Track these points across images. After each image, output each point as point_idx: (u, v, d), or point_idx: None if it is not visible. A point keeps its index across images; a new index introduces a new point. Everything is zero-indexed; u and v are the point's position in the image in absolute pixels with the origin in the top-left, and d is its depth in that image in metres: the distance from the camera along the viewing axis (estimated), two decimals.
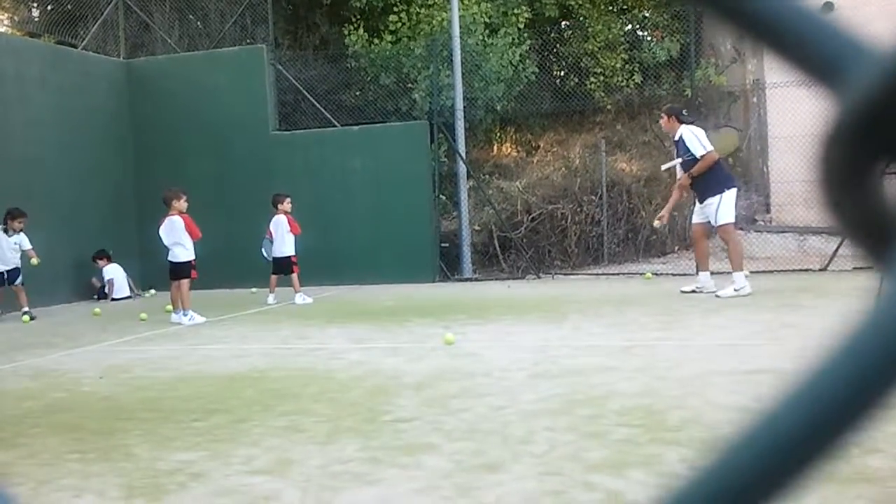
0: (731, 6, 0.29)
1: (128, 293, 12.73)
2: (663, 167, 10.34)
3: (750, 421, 0.27)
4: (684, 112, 9.51)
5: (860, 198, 0.27)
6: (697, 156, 8.99)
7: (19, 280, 10.66)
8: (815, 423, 0.25)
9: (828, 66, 0.28)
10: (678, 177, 9.46)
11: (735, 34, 0.31)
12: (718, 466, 0.27)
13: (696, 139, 9.03)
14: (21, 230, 10.66)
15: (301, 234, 10.96)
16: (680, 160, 9.29)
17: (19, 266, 10.67)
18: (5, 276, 10.59)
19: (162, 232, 9.41)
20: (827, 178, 0.27)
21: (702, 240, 9.39)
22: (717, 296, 8.88)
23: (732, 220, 9.08)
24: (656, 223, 9.89)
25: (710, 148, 9.00)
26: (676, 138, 9.27)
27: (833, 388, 0.25)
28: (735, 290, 8.83)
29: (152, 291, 13.01)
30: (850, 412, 0.25)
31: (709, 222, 9.16)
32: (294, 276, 10.78)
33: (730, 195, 9.03)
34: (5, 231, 10.61)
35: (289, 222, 10.82)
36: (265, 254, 10.93)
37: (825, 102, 0.28)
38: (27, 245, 10.63)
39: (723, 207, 8.96)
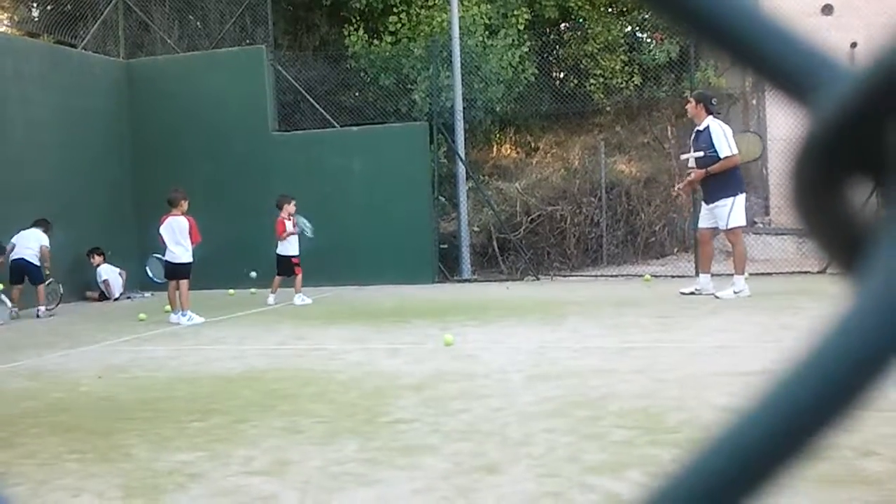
0: (705, 23, 0.30)
1: (122, 291, 12.75)
2: (683, 156, 9.92)
3: (727, 422, 0.28)
4: (714, 101, 9.18)
5: (831, 210, 0.28)
6: (721, 155, 8.75)
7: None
8: (789, 425, 0.26)
9: (801, 81, 0.29)
10: (690, 166, 9.19)
11: (711, 50, 0.32)
12: (697, 465, 0.27)
13: (724, 137, 8.78)
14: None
15: (285, 238, 10.86)
16: (701, 153, 8.97)
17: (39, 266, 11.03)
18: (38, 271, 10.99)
19: (164, 230, 9.39)
20: (799, 190, 0.28)
21: (708, 243, 9.30)
22: (716, 297, 8.86)
23: (743, 223, 8.99)
24: (677, 190, 10.02)
25: (735, 150, 8.78)
26: (701, 128, 8.99)
27: (808, 391, 0.26)
28: (735, 293, 8.82)
29: (149, 294, 13.00)
30: (823, 414, 0.26)
31: (716, 226, 9.12)
32: (298, 276, 10.78)
33: (741, 199, 8.92)
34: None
35: (278, 223, 10.81)
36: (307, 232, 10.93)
37: (798, 116, 0.29)
38: (45, 242, 11.08)
39: (735, 210, 8.83)
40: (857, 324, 0.26)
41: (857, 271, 0.27)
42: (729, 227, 8.89)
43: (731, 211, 8.84)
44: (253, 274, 10.65)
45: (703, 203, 9.30)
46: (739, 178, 9.06)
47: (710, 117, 8.97)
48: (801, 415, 0.25)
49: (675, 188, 10.36)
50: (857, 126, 0.26)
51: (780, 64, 0.29)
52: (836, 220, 0.28)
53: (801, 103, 0.29)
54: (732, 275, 9.01)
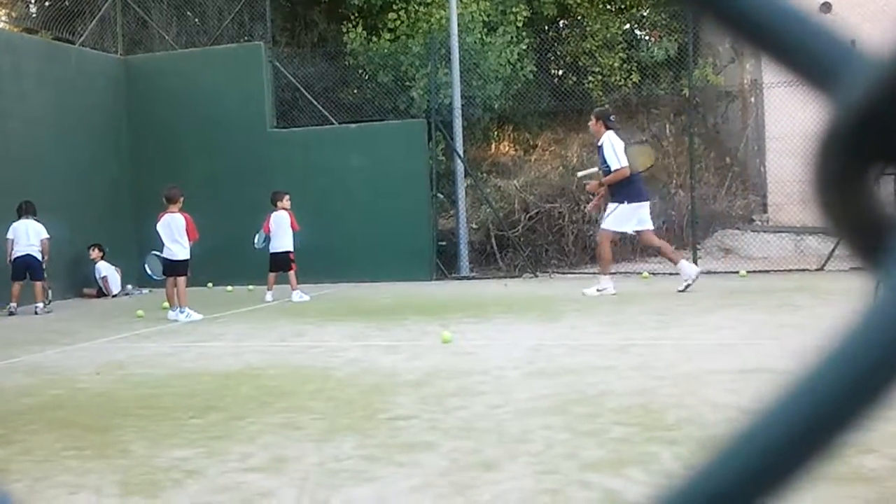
0: (724, 8, 0.29)
1: (120, 288, 12.74)
2: (579, 174, 10.80)
3: (746, 421, 0.27)
4: (612, 118, 9.80)
5: (853, 200, 0.27)
6: (612, 168, 9.36)
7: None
8: (810, 424, 0.25)
9: (822, 69, 0.28)
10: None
11: (730, 36, 0.31)
12: (714, 466, 0.27)
13: (613, 152, 9.36)
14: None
15: (299, 230, 11.05)
16: (596, 169, 9.77)
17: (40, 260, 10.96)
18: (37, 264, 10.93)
19: (161, 228, 9.40)
20: (821, 180, 0.28)
21: (605, 244, 9.66)
22: (583, 293, 9.38)
23: (613, 230, 9.58)
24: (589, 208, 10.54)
25: (624, 163, 9.33)
26: (599, 143, 9.58)
27: (828, 389, 0.26)
28: (598, 291, 9.37)
29: (147, 290, 12.99)
30: (844, 413, 0.25)
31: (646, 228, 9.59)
32: (292, 273, 10.80)
33: (627, 208, 9.41)
34: None
35: (292, 220, 10.94)
36: (256, 243, 11.02)
37: (820, 105, 0.28)
38: (45, 234, 10.98)
39: (614, 215, 9.46)
40: (879, 320, 0.25)
41: (880, 265, 0.26)
42: (602, 226, 9.64)
43: (609, 214, 9.53)
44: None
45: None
46: (635, 190, 9.56)
47: (608, 133, 9.53)
48: (821, 414, 0.25)
49: (587, 207, 10.96)
50: (882, 114, 0.26)
51: (798, 48, 0.29)
52: (859, 211, 0.27)
53: (819, 89, 0.28)
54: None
